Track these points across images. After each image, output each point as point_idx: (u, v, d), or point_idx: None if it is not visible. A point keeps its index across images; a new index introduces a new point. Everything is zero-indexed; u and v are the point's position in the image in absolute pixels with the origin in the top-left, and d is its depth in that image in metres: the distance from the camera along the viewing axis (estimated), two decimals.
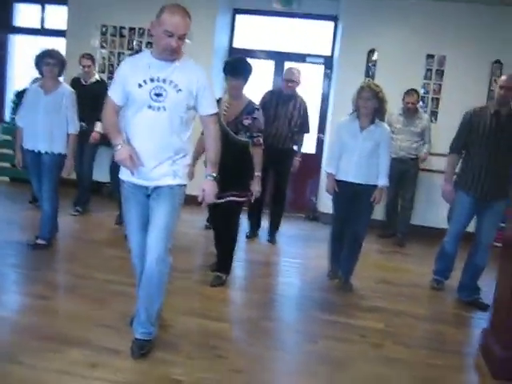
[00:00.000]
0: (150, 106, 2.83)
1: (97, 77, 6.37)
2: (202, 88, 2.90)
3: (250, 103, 4.21)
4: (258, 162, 4.21)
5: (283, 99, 5.72)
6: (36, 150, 4.69)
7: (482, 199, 4.29)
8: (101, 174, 7.16)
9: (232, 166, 3.79)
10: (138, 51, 6.40)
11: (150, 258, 2.90)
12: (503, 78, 4.31)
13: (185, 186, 3.03)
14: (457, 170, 4.59)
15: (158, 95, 2.81)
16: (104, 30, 7.49)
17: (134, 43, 7.41)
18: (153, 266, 2.91)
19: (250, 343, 3.36)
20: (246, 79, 4.15)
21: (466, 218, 4.46)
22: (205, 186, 3.02)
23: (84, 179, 6.38)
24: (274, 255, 5.57)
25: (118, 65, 7.40)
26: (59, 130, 4.68)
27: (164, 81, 2.82)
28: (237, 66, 4.17)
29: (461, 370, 3.32)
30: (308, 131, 5.96)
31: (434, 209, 6.56)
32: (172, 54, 2.80)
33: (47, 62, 4.63)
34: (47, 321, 3.35)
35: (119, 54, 7.49)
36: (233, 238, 4.35)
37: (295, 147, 5.89)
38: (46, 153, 4.68)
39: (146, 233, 2.96)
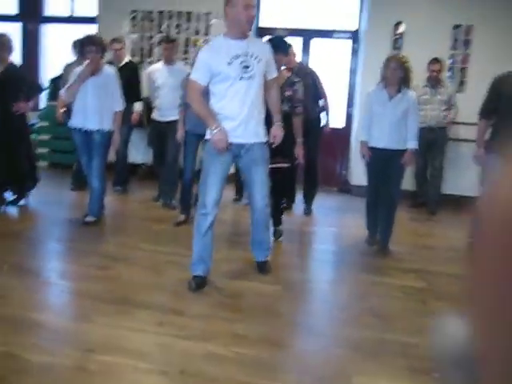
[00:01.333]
0: (241, 78, 3.41)
1: (127, 59, 6.55)
2: (269, 56, 3.59)
3: (291, 76, 4.50)
4: (298, 129, 4.63)
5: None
6: (87, 129, 4.96)
7: None
8: (135, 156, 7.40)
9: None
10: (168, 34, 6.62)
11: (261, 203, 3.71)
12: None
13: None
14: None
15: (246, 67, 3.41)
16: (134, 15, 7.69)
17: (163, 26, 7.60)
18: (263, 208, 3.75)
19: (300, 302, 3.59)
20: (285, 54, 4.54)
21: None
22: (275, 131, 3.70)
23: (120, 159, 6.56)
24: (312, 225, 5.76)
25: (149, 47, 7.63)
26: (107, 108, 4.99)
27: (246, 55, 3.41)
28: (277, 42, 4.52)
29: None
30: (321, 97, 5.95)
31: (462, 177, 6.69)
32: (252, 24, 3.42)
33: (90, 48, 4.88)
34: (111, 287, 3.59)
35: (149, 37, 7.69)
36: (282, 197, 4.92)
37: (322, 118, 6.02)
38: (98, 131, 4.97)
39: (222, 188, 3.60)
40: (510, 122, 4.35)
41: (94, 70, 4.91)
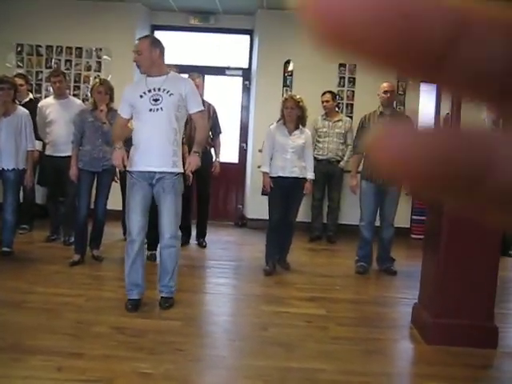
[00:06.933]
0: (150, 109, 3.67)
1: (30, 96, 6.38)
2: (188, 91, 3.77)
3: None
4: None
5: None
6: (2, 168, 5.09)
7: (380, 184, 5.01)
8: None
9: None
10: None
11: (166, 236, 3.80)
12: (384, 84, 5.22)
13: (182, 174, 3.86)
14: None
15: (155, 100, 3.66)
16: (19, 48, 7.42)
17: (53, 61, 7.39)
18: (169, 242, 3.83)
19: (203, 336, 3.56)
20: None
21: (373, 202, 5.18)
22: (189, 158, 3.86)
23: (27, 198, 6.32)
24: (209, 259, 5.75)
25: (37, 84, 7.39)
26: (21, 148, 5.17)
27: (158, 90, 3.68)
28: None
29: (398, 340, 3.71)
30: (220, 132, 6.08)
31: (358, 208, 6.97)
32: (139, 66, 3.80)
33: (2, 87, 4.93)
34: (2, 334, 3.35)
35: (37, 72, 7.44)
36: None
37: (212, 151, 6.06)
38: (13, 169, 5.11)
39: (144, 214, 3.79)
40: None
41: (7, 111, 5.02)
